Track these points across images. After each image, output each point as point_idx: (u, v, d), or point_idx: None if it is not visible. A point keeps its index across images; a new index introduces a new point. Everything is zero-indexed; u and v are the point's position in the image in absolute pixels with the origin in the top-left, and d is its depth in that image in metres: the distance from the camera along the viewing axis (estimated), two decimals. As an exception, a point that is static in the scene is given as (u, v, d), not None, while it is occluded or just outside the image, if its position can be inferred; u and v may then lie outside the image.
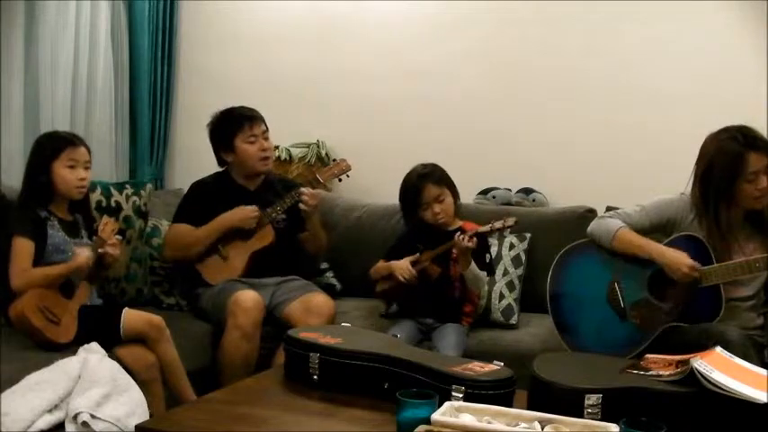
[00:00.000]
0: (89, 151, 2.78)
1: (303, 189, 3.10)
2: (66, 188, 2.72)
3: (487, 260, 3.03)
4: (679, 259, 2.59)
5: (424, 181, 2.98)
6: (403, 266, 2.93)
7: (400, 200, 3.08)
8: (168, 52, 4.22)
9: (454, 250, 2.91)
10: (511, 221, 2.79)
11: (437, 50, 3.90)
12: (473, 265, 2.89)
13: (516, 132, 3.77)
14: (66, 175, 2.70)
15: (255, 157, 3.19)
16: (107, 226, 2.75)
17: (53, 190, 2.71)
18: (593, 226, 2.82)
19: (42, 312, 2.52)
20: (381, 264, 3.06)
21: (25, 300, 2.51)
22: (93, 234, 2.80)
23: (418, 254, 2.97)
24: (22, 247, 2.61)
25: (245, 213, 3.11)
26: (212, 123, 3.26)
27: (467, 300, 3.03)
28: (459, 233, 2.83)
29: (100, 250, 2.70)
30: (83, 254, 2.65)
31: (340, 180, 3.29)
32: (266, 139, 3.23)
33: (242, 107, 3.26)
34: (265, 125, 3.25)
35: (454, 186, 3.05)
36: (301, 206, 3.10)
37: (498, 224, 2.80)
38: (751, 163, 2.55)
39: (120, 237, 2.83)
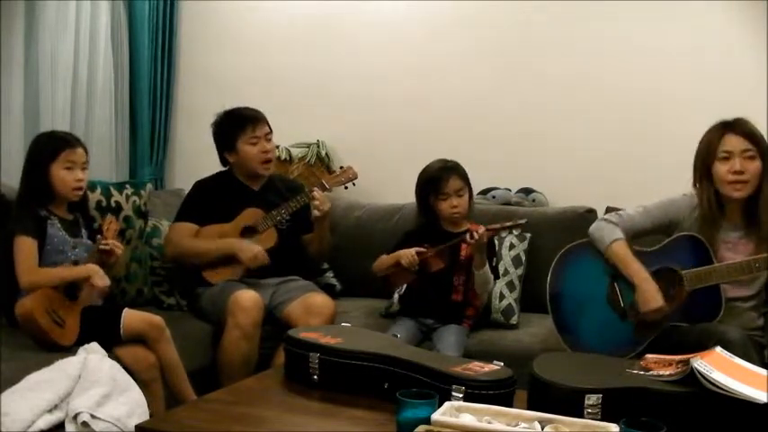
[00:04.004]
0: (86, 152, 2.79)
1: (315, 193, 3.09)
2: (64, 189, 2.72)
3: (494, 263, 3.03)
4: (654, 297, 2.57)
5: (450, 172, 2.98)
6: (408, 252, 2.93)
7: (418, 188, 3.05)
8: (168, 52, 4.22)
9: (463, 252, 2.92)
10: (522, 221, 2.81)
11: (437, 51, 3.90)
12: (487, 266, 2.89)
13: (516, 132, 3.78)
14: (65, 176, 2.70)
15: (257, 159, 3.19)
16: (111, 225, 2.75)
17: (52, 191, 2.71)
18: (593, 228, 2.81)
19: (49, 314, 2.52)
20: (385, 256, 3.05)
21: (34, 300, 2.51)
22: (93, 233, 2.80)
23: (427, 245, 2.97)
24: (27, 246, 2.61)
25: (253, 253, 3.07)
26: (216, 123, 3.26)
27: (469, 303, 3.03)
28: (469, 232, 2.82)
29: (101, 246, 2.70)
30: (102, 278, 2.65)
31: (346, 188, 3.28)
32: (269, 140, 3.23)
33: (246, 108, 3.25)
34: (269, 127, 3.24)
35: (471, 188, 3.05)
36: (314, 212, 3.10)
37: (509, 222, 2.82)
38: (725, 141, 2.56)
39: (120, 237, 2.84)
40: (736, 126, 2.58)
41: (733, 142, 2.56)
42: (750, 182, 2.55)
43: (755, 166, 2.55)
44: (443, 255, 2.93)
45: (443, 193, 2.97)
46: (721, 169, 2.57)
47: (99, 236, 2.74)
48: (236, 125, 3.19)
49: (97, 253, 2.70)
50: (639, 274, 2.63)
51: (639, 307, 2.61)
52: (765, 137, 2.65)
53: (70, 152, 2.72)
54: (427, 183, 3.02)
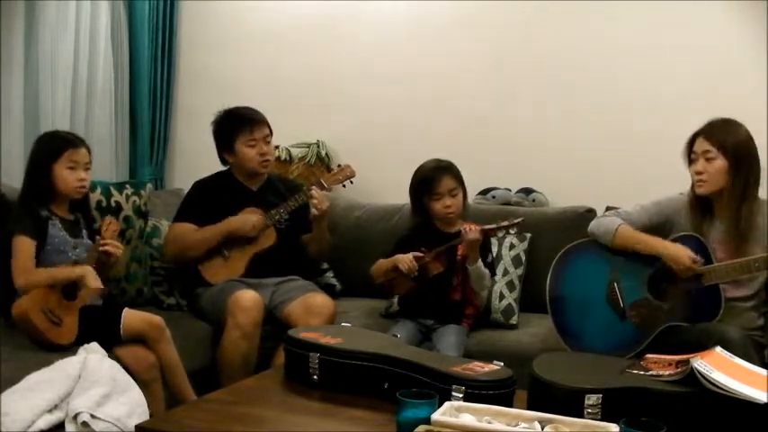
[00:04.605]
0: (89, 152, 2.78)
1: (314, 192, 3.09)
2: (66, 189, 2.72)
3: (489, 260, 3.03)
4: (681, 251, 2.60)
5: (443, 172, 2.96)
6: (405, 258, 2.91)
7: (412, 189, 3.04)
8: (168, 52, 4.22)
9: (459, 251, 2.92)
10: (517, 220, 2.81)
11: (437, 51, 3.90)
12: (480, 261, 2.89)
13: (516, 132, 3.78)
14: (67, 176, 2.70)
15: (254, 161, 3.19)
16: (110, 226, 2.75)
17: (54, 190, 2.71)
18: (593, 225, 2.83)
19: (45, 314, 2.51)
20: (383, 260, 3.05)
21: (29, 300, 2.51)
22: (94, 234, 2.80)
23: (423, 249, 2.96)
24: (24, 246, 2.61)
25: (250, 222, 3.10)
26: (216, 122, 3.26)
27: (469, 302, 3.03)
28: (464, 227, 2.82)
29: (101, 248, 2.70)
30: (95, 280, 2.63)
31: (344, 186, 3.29)
32: (267, 143, 3.22)
33: (247, 108, 3.25)
34: (269, 128, 3.23)
35: (465, 187, 3.04)
36: (313, 211, 3.10)
37: (504, 222, 2.81)
38: (695, 144, 2.68)
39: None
40: (702, 130, 2.67)
41: (698, 145, 2.67)
42: (709, 180, 2.63)
43: (714, 166, 2.62)
44: (441, 258, 2.92)
45: (437, 193, 2.96)
46: (691, 170, 2.69)
47: (98, 236, 2.74)
48: (234, 126, 3.19)
49: (96, 253, 2.70)
50: (658, 242, 2.67)
51: (674, 268, 2.61)
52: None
53: (73, 152, 2.71)
54: (421, 183, 3.00)
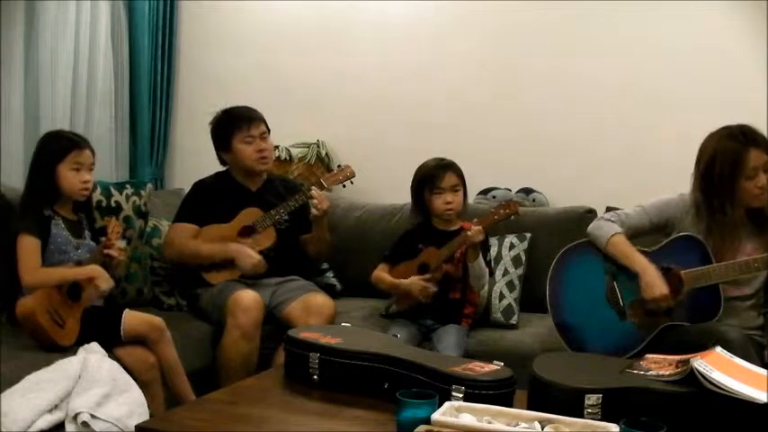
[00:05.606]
0: (93, 153, 2.78)
1: (313, 192, 3.09)
2: (71, 191, 2.71)
3: (488, 258, 3.04)
4: (657, 284, 2.58)
5: (446, 169, 2.98)
6: (419, 288, 2.93)
7: (414, 184, 3.05)
8: (168, 52, 4.22)
9: (459, 251, 2.92)
10: (514, 208, 2.84)
11: (437, 51, 3.90)
12: (481, 258, 2.90)
13: (516, 132, 3.78)
14: (71, 177, 2.69)
15: (251, 158, 3.19)
16: (115, 228, 2.75)
17: (57, 191, 2.71)
18: (591, 227, 2.83)
19: (50, 314, 2.51)
20: (385, 276, 3.05)
21: (35, 300, 2.50)
22: (96, 234, 2.80)
23: (429, 271, 2.96)
24: (30, 246, 2.60)
25: (251, 263, 3.07)
26: (213, 122, 3.26)
27: (467, 301, 3.03)
28: (467, 230, 2.83)
29: (106, 251, 2.70)
30: (107, 281, 2.64)
31: (344, 186, 3.29)
32: (264, 139, 3.22)
33: (243, 107, 3.25)
34: (266, 126, 3.24)
35: (466, 187, 3.05)
36: (313, 211, 3.10)
37: (502, 210, 2.85)
38: (751, 159, 2.57)
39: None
40: (758, 140, 2.59)
41: (757, 159, 2.57)
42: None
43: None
44: (452, 260, 2.94)
45: (439, 188, 2.97)
46: (749, 186, 2.59)
47: (102, 238, 2.74)
48: (231, 124, 3.19)
49: (100, 255, 2.70)
50: (641, 263, 2.64)
51: (644, 295, 2.60)
52: (765, 136, 2.66)
53: (78, 153, 2.71)
54: (423, 178, 3.02)
